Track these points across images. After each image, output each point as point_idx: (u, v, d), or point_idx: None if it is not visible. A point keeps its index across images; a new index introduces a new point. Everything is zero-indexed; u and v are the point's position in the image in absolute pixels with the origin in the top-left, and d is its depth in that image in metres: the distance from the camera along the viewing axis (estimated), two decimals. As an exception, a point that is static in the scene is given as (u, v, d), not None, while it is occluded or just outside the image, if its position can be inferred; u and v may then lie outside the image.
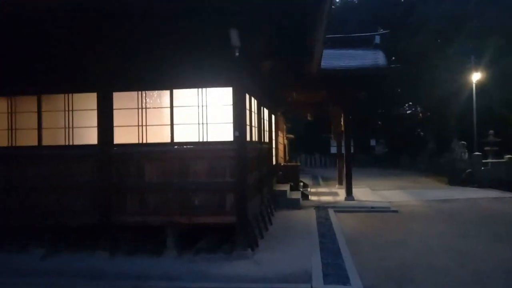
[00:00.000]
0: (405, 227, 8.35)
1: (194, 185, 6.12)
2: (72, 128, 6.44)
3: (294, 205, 10.41)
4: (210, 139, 6.19)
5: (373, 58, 11.88)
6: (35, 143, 6.47)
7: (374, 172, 23.18)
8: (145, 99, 6.31)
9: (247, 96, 6.79)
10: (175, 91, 6.25)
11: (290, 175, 12.90)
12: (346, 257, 5.96)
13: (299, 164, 14.44)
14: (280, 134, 14.64)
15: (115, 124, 6.34)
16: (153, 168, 6.24)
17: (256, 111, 8.04)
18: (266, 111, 9.88)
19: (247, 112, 6.69)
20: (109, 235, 6.24)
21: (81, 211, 6.32)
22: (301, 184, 14.49)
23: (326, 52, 12.22)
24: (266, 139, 9.71)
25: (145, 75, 6.28)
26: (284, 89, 11.96)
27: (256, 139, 8.02)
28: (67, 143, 6.43)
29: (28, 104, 6.52)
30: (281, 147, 14.75)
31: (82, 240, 6.40)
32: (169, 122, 6.22)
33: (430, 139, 26.16)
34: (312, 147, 29.30)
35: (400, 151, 27.13)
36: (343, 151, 12.42)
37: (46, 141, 6.47)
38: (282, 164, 13.48)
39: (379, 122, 29.47)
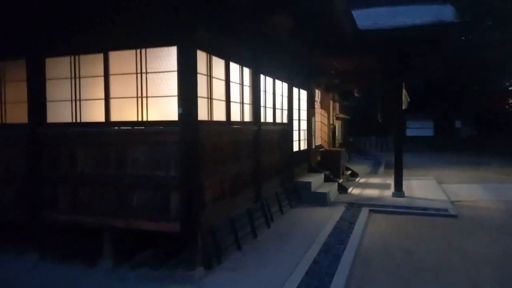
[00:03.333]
0: (459, 243, 5.90)
1: (132, 180, 4.63)
2: (4, 103, 5.35)
3: (320, 200, 8.40)
4: (151, 118, 4.61)
5: (437, 14, 9.06)
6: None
7: (455, 159, 19.54)
8: (78, 66, 4.92)
9: (217, 59, 5.03)
10: (111, 54, 4.75)
11: (328, 162, 10.81)
12: (332, 295, 4.01)
13: (342, 149, 12.11)
14: (322, 113, 12.45)
15: (48, 98, 5.08)
16: (87, 154, 4.87)
17: (249, 83, 6.21)
18: (281, 84, 7.93)
19: (208, 79, 4.94)
20: (39, 237, 5.09)
21: (12, 206, 5.25)
22: (348, 173, 12.28)
23: (378, 10, 9.85)
24: (278, 119, 7.79)
25: (77, 34, 4.86)
26: (320, 58, 9.78)
27: (249, 119, 6.23)
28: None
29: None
30: (323, 128, 12.59)
31: (17, 240, 5.35)
32: (103, 96, 4.76)
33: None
34: (384, 128, 25.91)
35: (493, 135, 22.52)
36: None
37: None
38: (321, 150, 11.38)
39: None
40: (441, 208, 8.04)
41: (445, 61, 13.77)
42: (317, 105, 12.02)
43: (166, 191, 4.47)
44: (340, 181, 10.31)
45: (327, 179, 9.94)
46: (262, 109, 6.83)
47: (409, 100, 11.92)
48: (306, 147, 10.00)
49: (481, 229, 6.64)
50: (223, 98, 5.32)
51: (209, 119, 4.90)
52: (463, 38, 18.37)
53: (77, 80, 4.90)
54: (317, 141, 12.00)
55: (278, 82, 7.72)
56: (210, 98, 4.92)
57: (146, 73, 4.55)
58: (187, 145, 4.36)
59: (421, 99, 23.22)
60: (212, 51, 4.92)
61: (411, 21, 8.75)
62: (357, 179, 12.35)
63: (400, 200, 8.80)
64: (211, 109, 4.93)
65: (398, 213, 7.84)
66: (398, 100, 9.32)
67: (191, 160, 4.39)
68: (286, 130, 8.22)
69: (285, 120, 8.23)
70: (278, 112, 7.74)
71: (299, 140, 9.42)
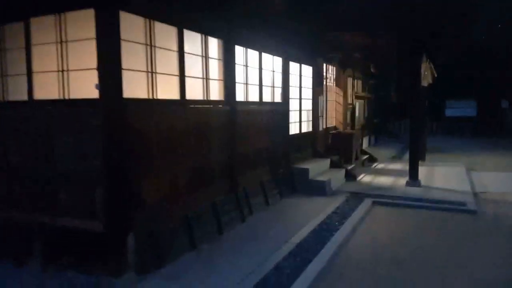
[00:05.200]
0: (469, 251, 4.80)
1: (58, 170, 3.98)
2: None
3: (318, 189, 7.46)
4: (73, 96, 3.89)
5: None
6: None
7: (496, 142, 17.57)
8: (2, 37, 4.27)
9: (164, 26, 4.19)
10: (33, 21, 4.05)
11: (339, 146, 9.74)
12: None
13: (355, 131, 10.95)
14: (337, 91, 11.27)
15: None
16: (12, 140, 4.27)
17: (217, 56, 5.33)
18: (271, 59, 6.95)
19: (148, 49, 4.11)
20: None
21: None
22: (365, 158, 11.13)
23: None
24: (268, 99, 6.85)
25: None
26: (329, 30, 8.58)
27: (219, 98, 5.38)
28: None
29: None
30: (339, 108, 11.41)
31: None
32: (25, 71, 4.10)
33: None
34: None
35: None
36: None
37: None
38: (331, 132, 10.28)
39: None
40: (458, 202, 6.84)
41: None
42: (330, 83, 10.86)
43: (91, 185, 3.78)
44: (350, 167, 9.25)
45: (333, 165, 8.93)
46: (241, 86, 5.95)
47: (436, 75, 10.50)
48: (310, 130, 8.99)
49: (504, 231, 5.46)
50: (176, 72, 4.49)
51: (151, 97, 4.11)
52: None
53: (1, 53, 4.27)
54: (330, 122, 10.92)
55: (267, 56, 6.74)
56: (152, 71, 4.11)
57: (66, 42, 3.81)
58: (111, 129, 3.62)
59: (462, 76, 21.11)
60: (153, 16, 4.08)
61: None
62: (375, 164, 11.17)
63: (413, 191, 7.65)
64: (153, 85, 4.13)
65: (405, 206, 6.75)
66: (416, 76, 8.03)
67: (118, 147, 3.65)
68: (279, 110, 7.26)
69: (278, 99, 7.28)
70: (267, 90, 6.80)
71: (300, 122, 8.44)
